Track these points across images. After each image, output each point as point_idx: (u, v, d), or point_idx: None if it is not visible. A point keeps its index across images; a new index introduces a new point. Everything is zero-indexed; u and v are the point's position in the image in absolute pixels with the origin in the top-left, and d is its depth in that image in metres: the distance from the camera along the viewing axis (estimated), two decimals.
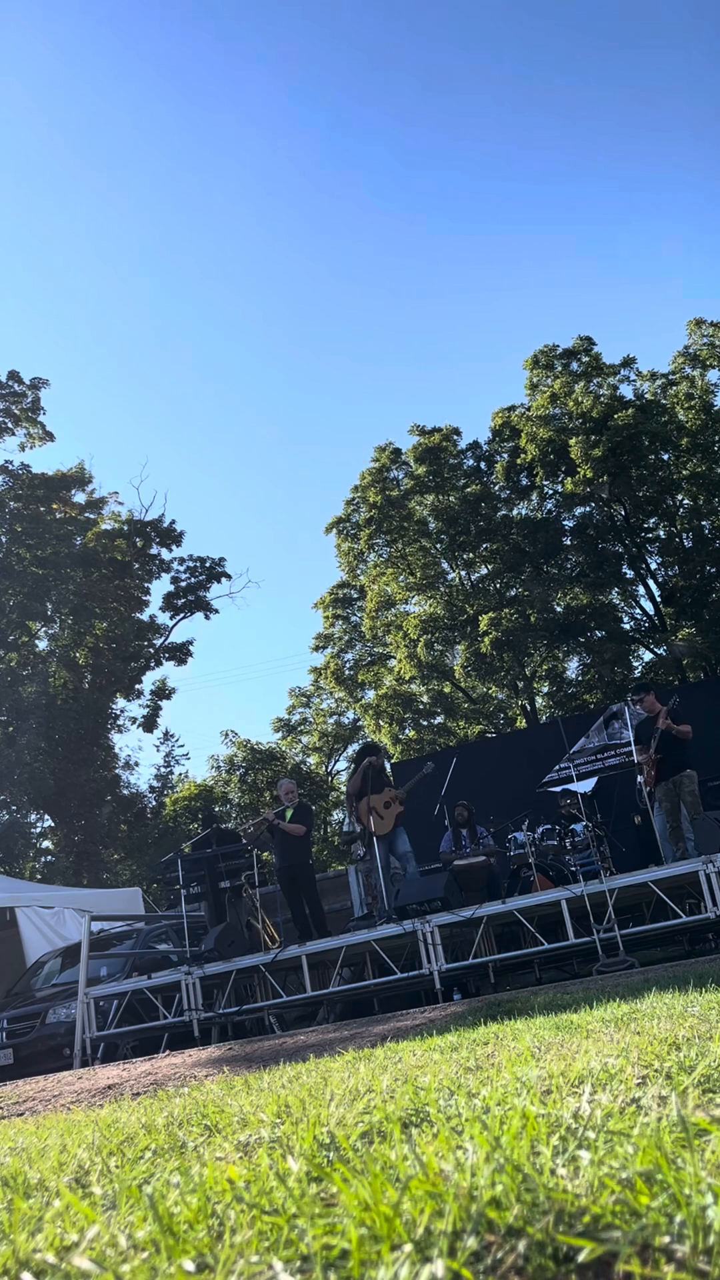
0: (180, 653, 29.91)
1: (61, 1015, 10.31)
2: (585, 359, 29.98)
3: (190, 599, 30.17)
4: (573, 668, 30.05)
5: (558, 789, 11.58)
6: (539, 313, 60.01)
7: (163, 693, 29.83)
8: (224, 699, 61.77)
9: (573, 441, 26.95)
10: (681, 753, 9.17)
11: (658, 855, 9.49)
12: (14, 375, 27.42)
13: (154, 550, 29.65)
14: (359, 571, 32.22)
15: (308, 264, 60.55)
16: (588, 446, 26.55)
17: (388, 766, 11.00)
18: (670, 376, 29.90)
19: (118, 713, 29.33)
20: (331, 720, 36.95)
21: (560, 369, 29.98)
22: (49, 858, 29.26)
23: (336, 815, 33.98)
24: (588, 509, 29.05)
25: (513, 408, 30.87)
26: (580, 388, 28.68)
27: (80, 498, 28.50)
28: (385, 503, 30.33)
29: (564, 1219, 1.20)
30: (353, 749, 36.00)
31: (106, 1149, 2.64)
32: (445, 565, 31.74)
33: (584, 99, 51.08)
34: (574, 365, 30.02)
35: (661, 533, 29.69)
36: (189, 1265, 1.24)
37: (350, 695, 34.14)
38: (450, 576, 31.56)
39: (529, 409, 29.92)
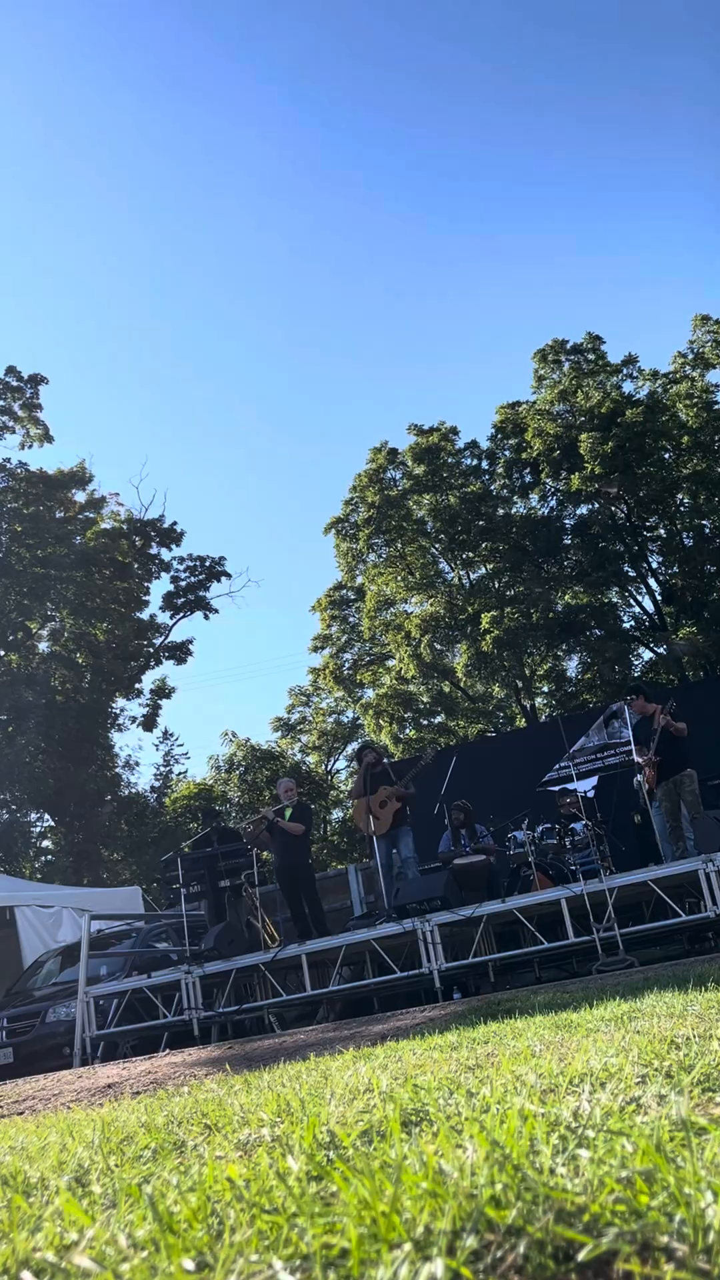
0: (180, 652, 29.89)
1: (61, 1014, 10.31)
2: (592, 355, 29.96)
3: (190, 598, 30.14)
4: (573, 667, 30.05)
5: (557, 788, 11.57)
6: (538, 312, 60.05)
7: (162, 692, 29.83)
8: (224, 698, 61.82)
9: (583, 437, 26.94)
10: (681, 752, 9.18)
11: (657, 854, 9.49)
12: (12, 370, 27.35)
13: (154, 550, 29.63)
14: (358, 572, 32.19)
15: (308, 264, 60.56)
16: (596, 443, 26.51)
17: (387, 764, 10.96)
18: (672, 374, 29.89)
19: (117, 712, 29.33)
20: (331, 719, 36.95)
21: (568, 365, 29.96)
22: (49, 857, 29.25)
23: (336, 814, 33.97)
24: (590, 507, 29.04)
25: (517, 404, 30.85)
26: (591, 383, 28.67)
27: (81, 496, 28.49)
28: (384, 502, 30.32)
29: (563, 1218, 1.20)
30: (352, 748, 36.05)
31: (106, 1148, 2.64)
32: (444, 565, 31.73)
33: (585, 98, 51.09)
34: (581, 362, 30.00)
35: (662, 531, 29.68)
36: (188, 1264, 1.24)
37: (349, 695, 34.14)
38: (449, 576, 31.55)
39: (534, 403, 29.89)
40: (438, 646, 29.83)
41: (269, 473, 67.30)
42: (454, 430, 31.50)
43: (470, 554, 30.53)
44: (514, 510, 30.49)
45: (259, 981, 9.74)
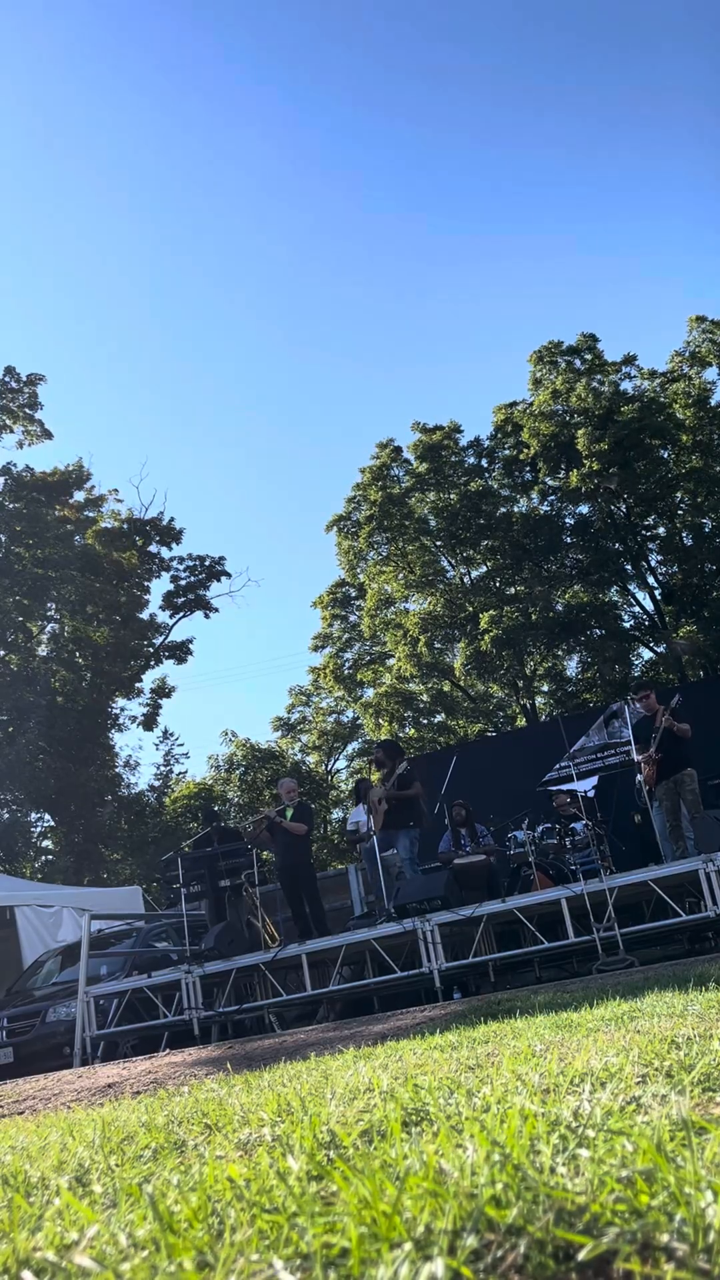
0: (180, 651, 29.90)
1: (61, 1014, 10.31)
2: (588, 356, 29.95)
3: (190, 598, 30.15)
4: (573, 666, 30.04)
5: (557, 788, 11.57)
6: (538, 311, 60.05)
7: (162, 691, 29.84)
8: (224, 698, 61.81)
9: (580, 433, 26.95)
10: (681, 752, 9.17)
11: (658, 854, 9.49)
12: (10, 371, 27.32)
13: (153, 549, 29.64)
14: (359, 570, 32.18)
15: (308, 263, 60.55)
16: (592, 440, 26.49)
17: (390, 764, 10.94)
18: (670, 373, 29.88)
19: (117, 712, 29.34)
20: (331, 719, 36.93)
21: (564, 365, 29.96)
22: (49, 857, 29.24)
23: (336, 814, 33.96)
24: (589, 506, 29.02)
25: (514, 404, 30.85)
26: (583, 384, 28.66)
27: (80, 496, 28.48)
28: (386, 500, 30.31)
29: (564, 1217, 1.20)
30: (353, 747, 36.09)
31: (107, 1148, 2.64)
32: (445, 563, 31.72)
33: (585, 98, 51.08)
34: (577, 362, 30.00)
35: (661, 530, 29.67)
36: (189, 1263, 1.24)
37: (349, 694, 34.13)
38: (450, 574, 31.54)
39: (531, 405, 29.91)
40: (437, 645, 29.82)
41: (269, 472, 67.34)
42: (457, 428, 31.49)
43: (471, 552, 30.52)
44: (514, 509, 30.49)
45: (259, 981, 9.74)
